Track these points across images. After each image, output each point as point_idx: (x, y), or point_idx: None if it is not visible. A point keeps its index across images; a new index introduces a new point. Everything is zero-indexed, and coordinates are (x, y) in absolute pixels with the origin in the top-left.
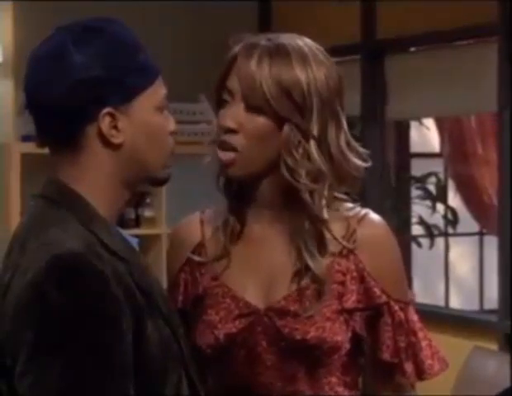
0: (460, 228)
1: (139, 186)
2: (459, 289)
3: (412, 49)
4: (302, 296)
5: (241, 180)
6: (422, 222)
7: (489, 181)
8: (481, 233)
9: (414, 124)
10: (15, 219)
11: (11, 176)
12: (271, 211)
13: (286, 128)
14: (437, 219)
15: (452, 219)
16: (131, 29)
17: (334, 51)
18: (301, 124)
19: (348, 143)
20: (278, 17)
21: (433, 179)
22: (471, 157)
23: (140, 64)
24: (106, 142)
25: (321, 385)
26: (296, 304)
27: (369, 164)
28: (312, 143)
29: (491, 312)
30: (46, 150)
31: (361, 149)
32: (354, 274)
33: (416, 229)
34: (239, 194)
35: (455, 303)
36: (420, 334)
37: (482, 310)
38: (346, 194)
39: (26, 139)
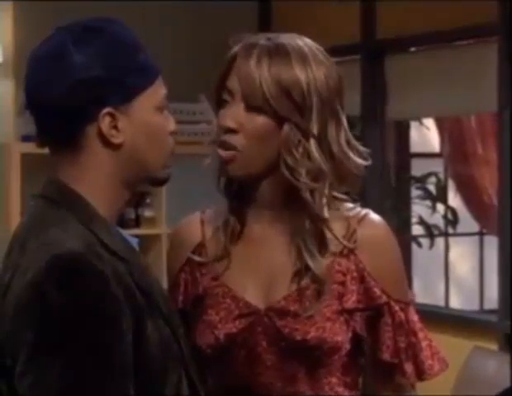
0: (460, 228)
1: (139, 186)
2: (459, 289)
3: (412, 49)
4: (302, 296)
5: (241, 180)
6: (422, 222)
7: (489, 181)
8: (481, 233)
9: (414, 125)
10: (15, 219)
11: (12, 176)
12: (271, 211)
13: (286, 127)
14: (437, 219)
15: (452, 219)
16: (131, 29)
17: (334, 51)
18: (301, 124)
19: (348, 142)
20: (278, 17)
21: (433, 179)
22: (471, 157)
23: (140, 64)
24: (106, 142)
25: (321, 385)
26: (296, 304)
27: (369, 163)
28: (312, 142)
29: (491, 312)
30: (46, 150)
31: (361, 148)
32: (354, 274)
33: (416, 229)
34: (240, 194)
35: (455, 303)
36: (421, 334)
37: (482, 310)
38: (346, 194)
39: (26, 139)
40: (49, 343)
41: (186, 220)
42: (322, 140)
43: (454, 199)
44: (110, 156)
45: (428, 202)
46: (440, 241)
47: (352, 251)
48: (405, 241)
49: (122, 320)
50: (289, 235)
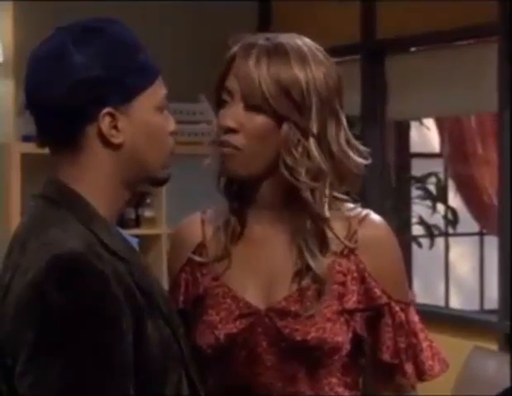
0: (460, 228)
1: (139, 186)
2: (459, 289)
3: (412, 49)
4: (303, 297)
5: (242, 180)
6: (422, 222)
7: (489, 181)
8: (481, 233)
9: (414, 124)
10: (15, 219)
11: (12, 176)
12: (271, 212)
13: (285, 127)
14: (437, 219)
15: (452, 219)
16: (131, 29)
17: (334, 51)
18: (300, 123)
19: (348, 141)
20: (278, 17)
21: (433, 179)
22: (471, 157)
23: (140, 64)
24: (106, 142)
25: (321, 386)
26: (297, 305)
27: (369, 162)
28: (312, 141)
29: (491, 312)
30: (46, 150)
31: (361, 147)
32: (355, 274)
33: (416, 229)
34: (240, 195)
35: (455, 303)
36: (421, 335)
37: (482, 310)
38: (346, 194)
39: (26, 139)
40: (49, 343)
41: (186, 220)
42: (321, 139)
43: (454, 199)
44: (110, 156)
45: (428, 202)
46: (440, 241)
47: (352, 251)
48: (406, 241)
49: (122, 320)
50: (290, 235)
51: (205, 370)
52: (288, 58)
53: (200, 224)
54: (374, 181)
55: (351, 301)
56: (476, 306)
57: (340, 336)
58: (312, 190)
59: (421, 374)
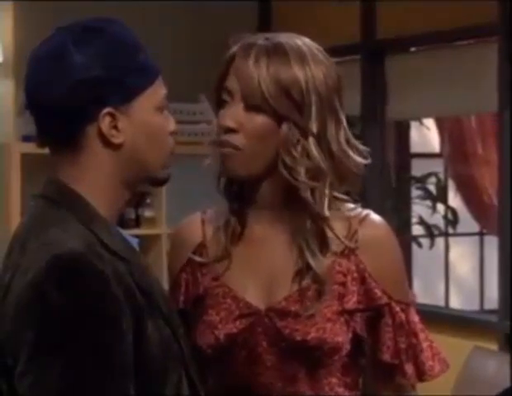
0: (460, 229)
1: (140, 186)
2: (459, 290)
3: (412, 49)
4: (303, 297)
5: (242, 180)
6: (422, 222)
7: (489, 181)
8: (481, 233)
9: (414, 124)
10: (15, 219)
11: (12, 176)
12: (271, 212)
13: (285, 126)
14: (437, 219)
15: (452, 219)
16: (131, 29)
17: (334, 51)
18: (300, 122)
19: (347, 141)
20: (278, 17)
21: (433, 179)
22: (471, 157)
23: (140, 64)
24: (106, 142)
25: (321, 386)
26: (297, 305)
27: (369, 161)
28: (311, 140)
29: (491, 312)
30: (46, 150)
31: (361, 147)
32: (355, 275)
33: (416, 229)
34: (240, 195)
35: (455, 303)
36: (421, 335)
37: (482, 310)
38: (347, 194)
39: (26, 139)
40: (49, 343)
41: (187, 220)
42: (321, 139)
43: (454, 199)
44: (110, 156)
45: (428, 202)
46: (440, 241)
47: (353, 251)
48: (406, 241)
49: (122, 320)
50: (290, 235)
51: (205, 370)
52: (288, 58)
53: (200, 224)
54: (374, 181)
55: (351, 301)
56: (476, 306)
57: (340, 336)
58: (312, 190)
59: (421, 375)
